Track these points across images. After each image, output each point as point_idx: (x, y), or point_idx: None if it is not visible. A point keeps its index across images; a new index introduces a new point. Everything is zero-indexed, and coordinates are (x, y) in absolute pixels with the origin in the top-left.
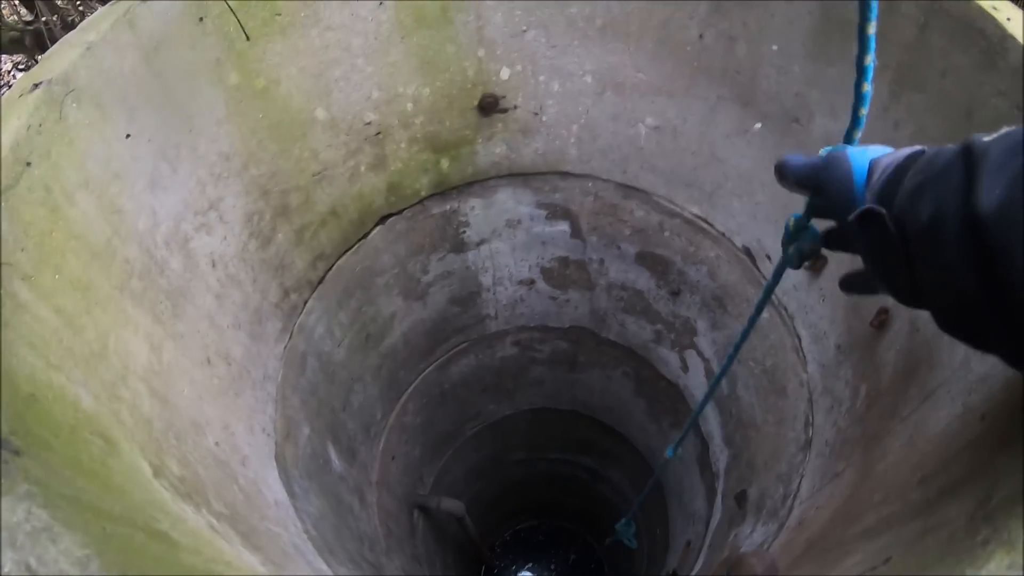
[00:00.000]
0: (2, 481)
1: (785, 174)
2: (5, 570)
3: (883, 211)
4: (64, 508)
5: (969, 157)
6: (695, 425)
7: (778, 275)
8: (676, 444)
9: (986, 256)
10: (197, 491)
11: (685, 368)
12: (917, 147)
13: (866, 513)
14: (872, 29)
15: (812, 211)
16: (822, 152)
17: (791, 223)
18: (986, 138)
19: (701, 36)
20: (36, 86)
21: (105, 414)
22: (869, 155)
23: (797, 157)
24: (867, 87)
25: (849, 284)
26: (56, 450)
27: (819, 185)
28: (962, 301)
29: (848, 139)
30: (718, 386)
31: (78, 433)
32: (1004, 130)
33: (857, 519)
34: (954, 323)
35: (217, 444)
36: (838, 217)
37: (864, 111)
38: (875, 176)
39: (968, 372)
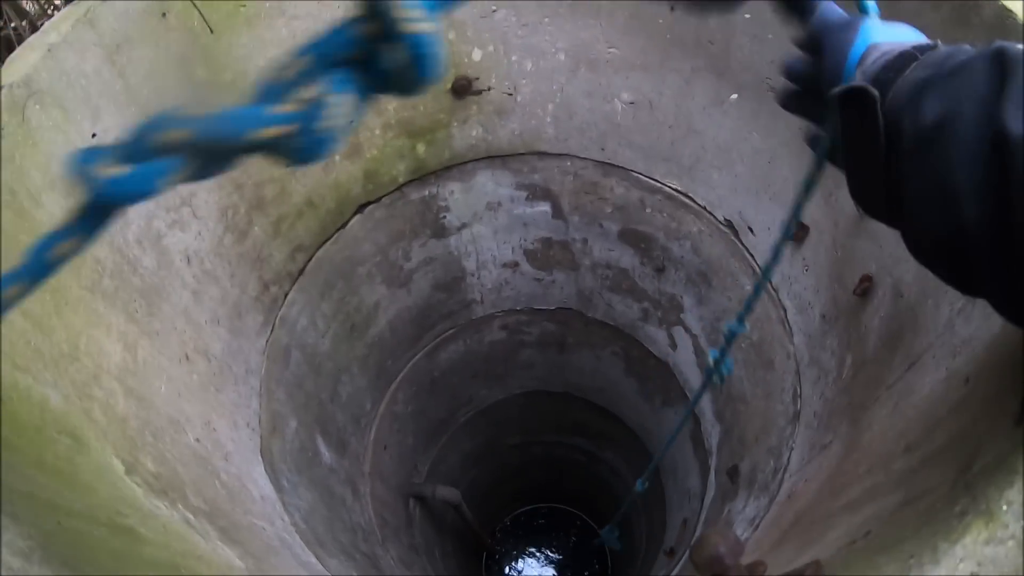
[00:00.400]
0: None
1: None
2: None
3: (875, 93)
4: (16, 503)
5: (1001, 64)
6: (687, 402)
7: (700, 394)
8: (645, 477)
9: (1005, 184)
10: (173, 487)
11: (673, 345)
12: (927, 40)
13: (851, 485)
14: None
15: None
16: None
17: (711, 362)
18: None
19: (672, 8)
20: None
21: (75, 413)
22: (872, 34)
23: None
24: None
25: (786, 101)
26: (19, 450)
27: (820, 45)
28: (957, 230)
29: None
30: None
31: (44, 433)
32: None
33: (843, 491)
34: (937, 253)
35: (198, 440)
36: (821, 86)
37: None
38: (870, 58)
39: (952, 335)
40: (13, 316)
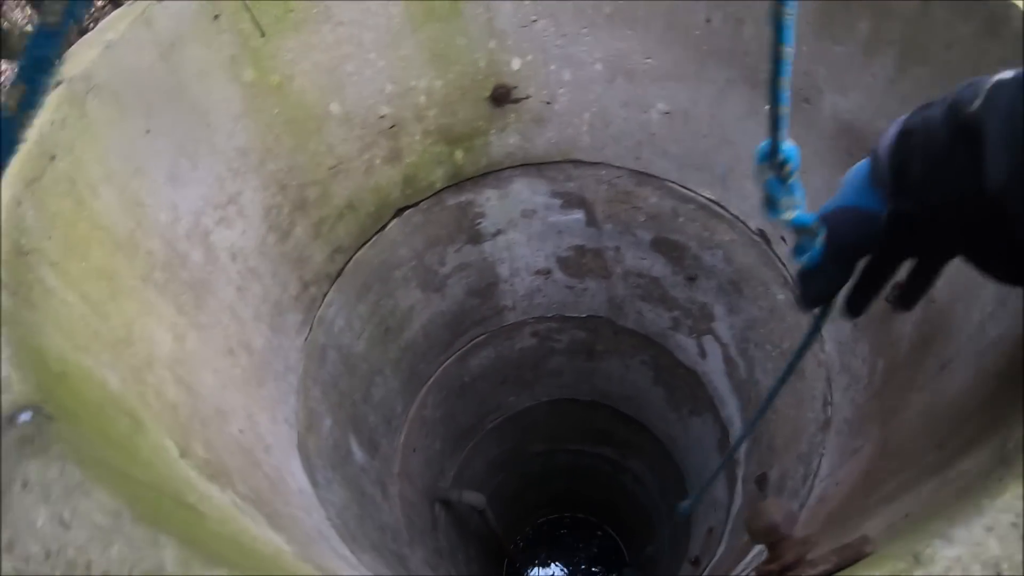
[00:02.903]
0: (35, 441)
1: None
2: (39, 524)
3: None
4: (96, 468)
5: (967, 135)
6: (714, 411)
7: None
8: (692, 502)
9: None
10: (223, 474)
11: (703, 354)
12: (899, 122)
13: (885, 482)
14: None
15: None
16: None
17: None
18: (976, 104)
19: (708, 19)
20: (58, 83)
21: (132, 396)
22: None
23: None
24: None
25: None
26: (85, 422)
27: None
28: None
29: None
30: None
31: (105, 410)
32: (988, 83)
33: (875, 488)
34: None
35: (241, 432)
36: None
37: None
38: (879, 160)
39: (983, 337)
40: (73, 299)
